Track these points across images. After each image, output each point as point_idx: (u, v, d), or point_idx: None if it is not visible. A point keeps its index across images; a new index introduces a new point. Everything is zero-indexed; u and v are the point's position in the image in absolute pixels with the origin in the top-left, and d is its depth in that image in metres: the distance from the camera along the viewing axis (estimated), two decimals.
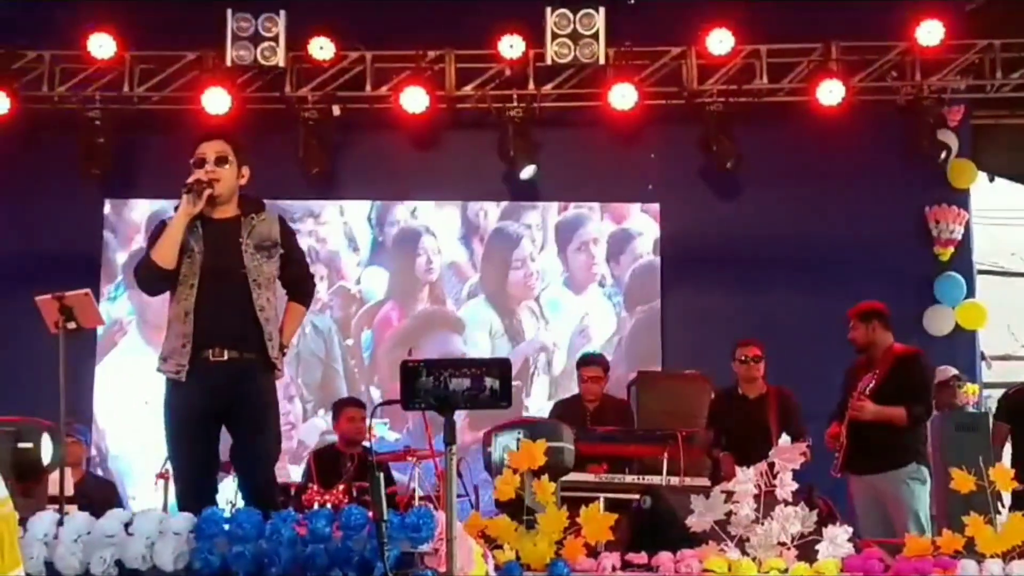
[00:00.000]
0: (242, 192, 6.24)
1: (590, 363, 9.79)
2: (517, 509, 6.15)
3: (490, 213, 12.34)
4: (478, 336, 12.15)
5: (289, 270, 6.25)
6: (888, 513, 8.25)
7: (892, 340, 8.63)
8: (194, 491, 5.91)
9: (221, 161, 6.11)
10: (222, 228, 6.10)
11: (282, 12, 11.13)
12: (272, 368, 6.11)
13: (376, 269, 12.29)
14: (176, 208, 6.06)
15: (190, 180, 6.02)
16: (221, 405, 6.01)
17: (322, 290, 11.72)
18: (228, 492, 8.63)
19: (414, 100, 11.29)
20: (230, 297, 6.01)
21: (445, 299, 12.27)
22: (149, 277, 6.14)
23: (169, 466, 6.60)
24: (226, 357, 5.96)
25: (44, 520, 4.93)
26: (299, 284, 6.38)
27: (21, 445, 6.65)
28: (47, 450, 6.71)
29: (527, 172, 11.73)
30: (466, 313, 12.22)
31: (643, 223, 12.20)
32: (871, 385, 8.37)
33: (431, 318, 12.23)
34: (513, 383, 4.76)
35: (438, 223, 12.35)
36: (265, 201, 6.38)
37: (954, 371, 10.07)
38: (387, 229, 12.33)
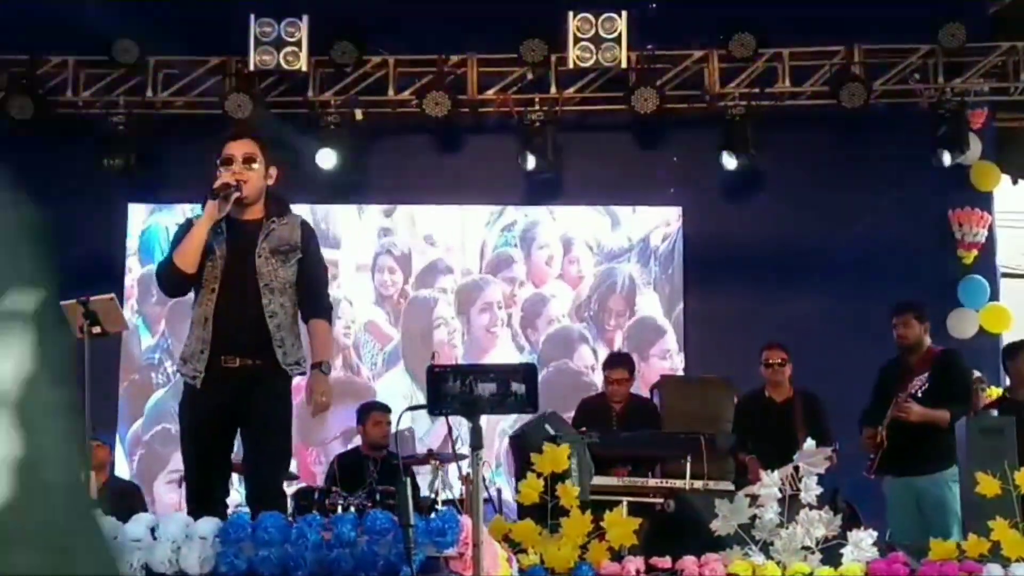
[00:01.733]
0: (271, 192, 6.16)
1: (616, 365, 9.72)
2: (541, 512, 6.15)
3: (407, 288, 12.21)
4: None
5: (304, 277, 6.07)
6: (926, 515, 8.23)
7: (930, 341, 8.65)
8: (201, 495, 5.90)
9: (249, 161, 6.00)
10: (244, 231, 6.01)
11: (305, 17, 11.18)
12: (285, 376, 5.98)
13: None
14: (203, 208, 6.01)
15: (217, 184, 5.91)
16: (235, 411, 5.95)
17: None
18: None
19: (436, 104, 11.31)
20: (244, 303, 5.92)
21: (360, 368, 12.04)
22: (170, 280, 6.09)
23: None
24: (238, 364, 5.88)
25: None
26: (312, 296, 6.13)
27: None
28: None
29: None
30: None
31: (558, 288, 12.13)
32: (922, 387, 8.35)
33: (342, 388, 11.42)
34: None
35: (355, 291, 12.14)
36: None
37: (977, 373, 10.03)
38: None
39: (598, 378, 10.70)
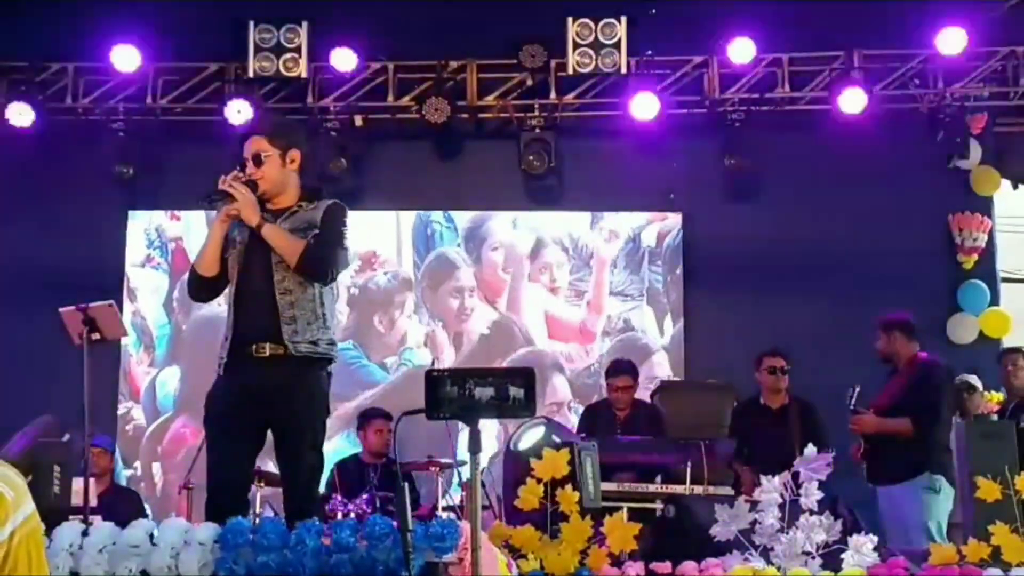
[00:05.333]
0: (304, 180, 6.09)
1: (620, 372, 9.65)
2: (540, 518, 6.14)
3: None
4: None
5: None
6: (906, 523, 8.24)
7: (916, 350, 8.63)
8: (219, 491, 5.78)
9: (257, 160, 5.93)
10: (269, 218, 5.95)
11: (304, 23, 11.19)
12: (313, 363, 5.84)
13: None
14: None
15: (214, 190, 5.89)
16: (259, 399, 5.78)
17: None
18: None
19: (436, 110, 11.31)
20: (261, 284, 5.85)
21: None
22: (192, 284, 6.10)
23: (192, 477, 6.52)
24: (255, 348, 5.77)
25: (69, 530, 4.94)
26: (314, 250, 5.84)
27: None
28: None
29: None
30: None
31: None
32: (886, 396, 8.41)
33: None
34: None
35: None
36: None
37: (968, 378, 10.01)
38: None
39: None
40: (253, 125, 6.34)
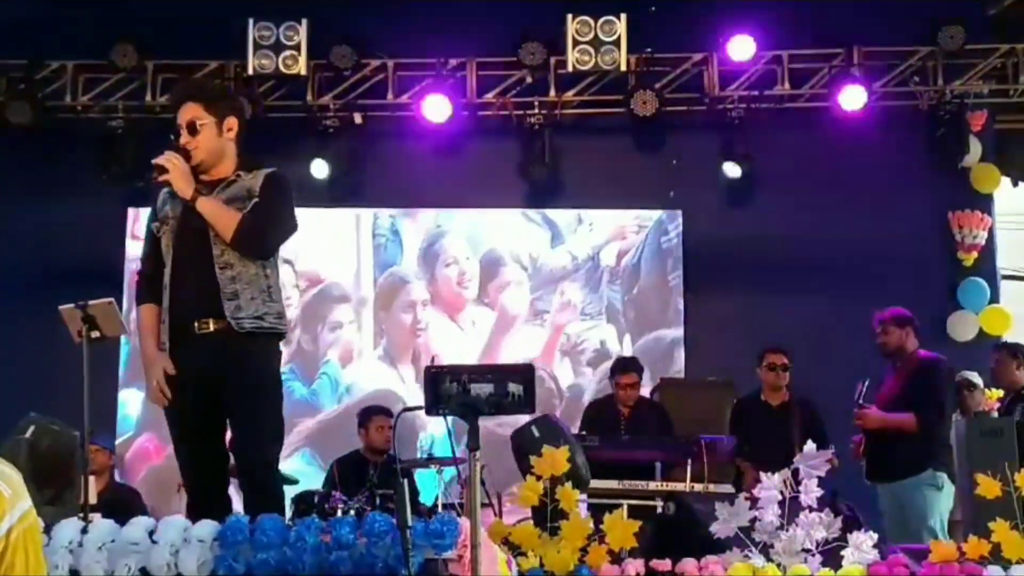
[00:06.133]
0: (241, 148, 5.70)
1: (626, 370, 9.57)
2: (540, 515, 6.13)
3: None
4: None
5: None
6: (908, 519, 8.23)
7: (917, 346, 8.63)
8: (194, 489, 5.58)
9: (192, 128, 5.58)
10: (205, 191, 5.58)
11: (304, 21, 11.17)
12: (260, 340, 5.48)
13: None
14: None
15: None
16: (208, 381, 5.45)
17: None
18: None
19: (436, 108, 11.30)
20: (199, 260, 5.47)
21: None
22: (137, 288, 5.83)
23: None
24: (212, 328, 5.43)
25: (69, 528, 4.93)
26: (250, 222, 5.48)
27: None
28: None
29: None
30: None
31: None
32: (887, 392, 8.41)
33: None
34: None
35: None
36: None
37: (968, 376, 10.00)
38: None
39: None
40: (187, 91, 5.77)
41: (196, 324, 5.45)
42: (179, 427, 5.61)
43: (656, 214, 12.03)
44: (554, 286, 11.93)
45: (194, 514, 5.22)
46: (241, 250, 5.47)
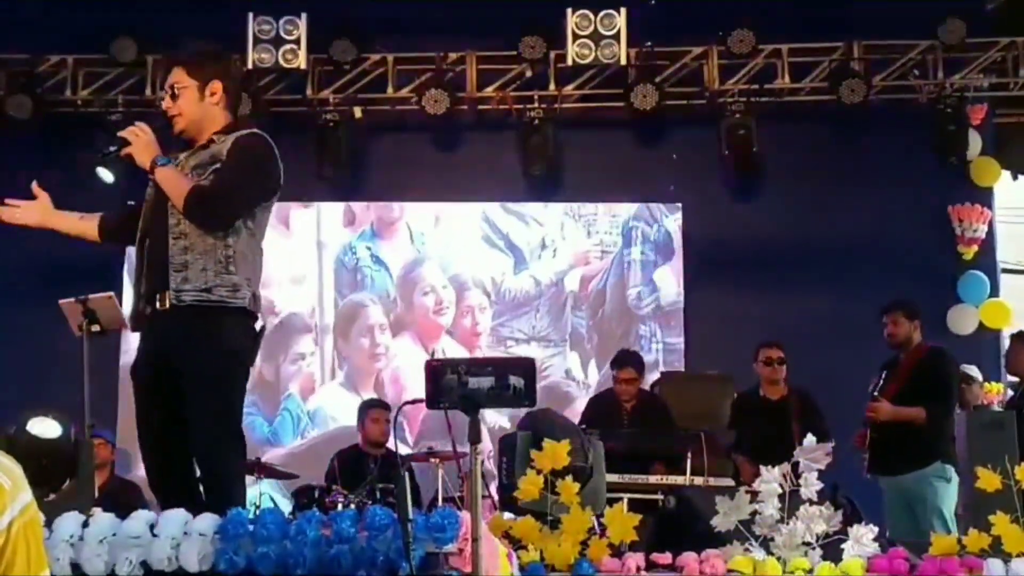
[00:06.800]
0: (231, 116, 5.41)
1: (625, 364, 9.54)
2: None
3: None
4: None
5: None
6: (916, 513, 8.24)
7: (921, 339, 8.65)
8: (158, 495, 5.28)
9: (173, 95, 5.34)
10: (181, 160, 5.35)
11: (303, 15, 11.17)
12: (208, 315, 5.12)
13: None
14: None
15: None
16: (159, 369, 5.19)
17: None
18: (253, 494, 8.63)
19: (435, 102, 11.30)
20: (159, 234, 5.22)
21: None
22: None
23: None
24: (167, 305, 5.12)
25: (70, 521, 4.93)
26: (201, 191, 5.17)
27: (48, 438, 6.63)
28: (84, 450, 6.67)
29: None
30: None
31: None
32: (892, 385, 8.40)
33: None
34: None
35: None
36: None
37: (967, 369, 10.02)
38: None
39: None
40: (173, 54, 5.50)
41: (157, 301, 5.18)
42: (141, 420, 5.32)
43: (618, 240, 11.95)
44: (517, 312, 11.82)
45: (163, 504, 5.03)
46: (192, 220, 5.13)
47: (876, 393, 8.44)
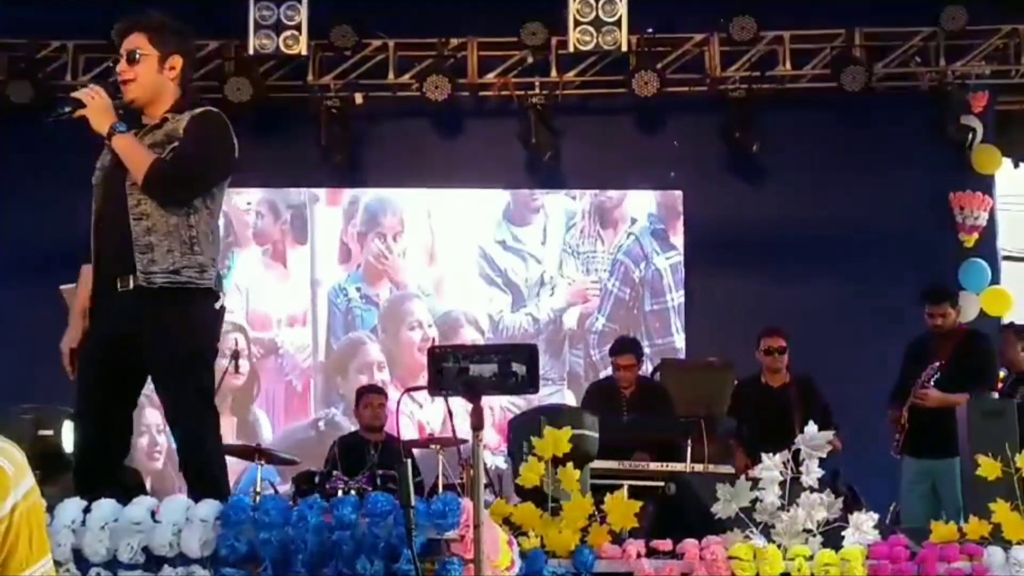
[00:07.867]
0: (185, 89, 5.30)
1: (623, 351, 9.54)
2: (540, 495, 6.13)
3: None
4: None
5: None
6: (941, 497, 8.29)
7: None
8: (82, 454, 5.21)
9: (132, 58, 5.18)
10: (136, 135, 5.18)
11: (304, 0, 11.14)
12: (177, 297, 5.02)
13: None
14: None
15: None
16: (123, 349, 5.07)
17: None
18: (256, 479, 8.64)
19: (437, 88, 11.28)
20: (117, 212, 5.09)
21: None
22: None
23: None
24: (132, 286, 5.02)
25: (71, 507, 4.93)
26: (162, 166, 5.04)
27: (42, 432, 6.61)
28: (68, 437, 6.61)
29: None
30: None
31: None
32: (934, 375, 8.43)
33: None
34: None
35: None
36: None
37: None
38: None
39: None
40: (135, 19, 5.35)
41: (118, 281, 5.07)
42: (83, 398, 5.20)
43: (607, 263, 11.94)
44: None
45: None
46: (153, 196, 5.02)
47: (930, 384, 8.44)
